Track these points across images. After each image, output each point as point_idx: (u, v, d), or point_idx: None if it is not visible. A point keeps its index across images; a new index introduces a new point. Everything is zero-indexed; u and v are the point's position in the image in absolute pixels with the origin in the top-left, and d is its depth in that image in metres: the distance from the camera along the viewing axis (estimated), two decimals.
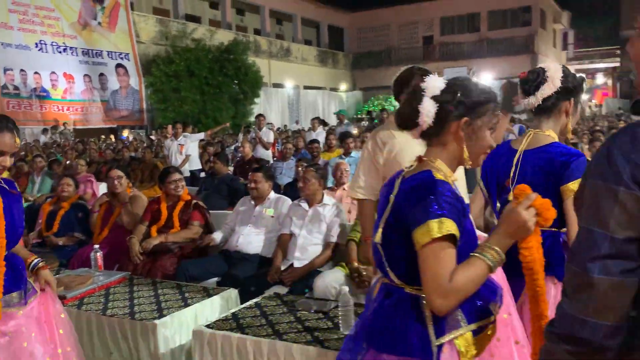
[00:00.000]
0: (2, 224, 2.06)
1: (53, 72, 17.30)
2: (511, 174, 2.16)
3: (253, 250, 3.89)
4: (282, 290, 3.42)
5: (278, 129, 17.31)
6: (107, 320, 2.83)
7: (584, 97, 2.16)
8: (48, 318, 2.30)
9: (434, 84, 1.48)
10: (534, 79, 2.14)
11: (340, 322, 2.47)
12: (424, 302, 1.41)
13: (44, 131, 15.56)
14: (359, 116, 23.30)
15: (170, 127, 9.29)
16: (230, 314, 2.75)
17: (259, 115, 9.88)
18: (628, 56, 1.08)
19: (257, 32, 25.24)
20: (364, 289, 3.31)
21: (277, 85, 23.77)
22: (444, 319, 1.41)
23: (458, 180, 1.58)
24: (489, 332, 1.50)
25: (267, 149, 9.26)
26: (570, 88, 2.11)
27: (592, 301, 0.96)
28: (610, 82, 31.94)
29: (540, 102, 2.11)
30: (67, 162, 8.12)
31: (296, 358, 2.32)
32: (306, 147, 8.16)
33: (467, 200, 2.23)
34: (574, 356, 0.98)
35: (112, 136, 16.78)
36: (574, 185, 1.96)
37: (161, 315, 2.77)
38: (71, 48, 17.74)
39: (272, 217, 3.97)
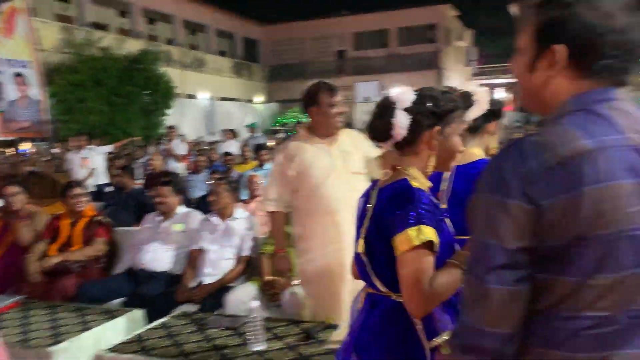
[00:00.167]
0: None
1: None
2: (444, 188, 2.25)
3: (161, 267, 3.73)
4: (192, 308, 3.30)
5: (193, 141, 16.90)
6: None
7: None
8: None
9: (405, 96, 1.52)
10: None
11: (249, 338, 2.41)
12: None
13: None
14: (275, 128, 23.31)
15: (73, 139, 8.79)
16: (135, 336, 2.61)
17: (170, 127, 9.60)
18: None
19: (169, 41, 24.59)
20: (277, 302, 3.27)
21: (192, 96, 23.26)
22: (433, 321, 1.43)
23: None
24: None
25: (178, 161, 9.00)
26: (496, 111, 2.28)
27: (489, 311, 0.99)
28: (510, 96, 34.08)
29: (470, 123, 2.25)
30: None
31: None
32: (220, 160, 8.02)
33: None
34: None
35: (11, 149, 15.58)
36: None
37: (57, 341, 2.58)
38: None
39: (182, 232, 3.83)
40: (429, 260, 1.38)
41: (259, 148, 7.19)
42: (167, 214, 3.90)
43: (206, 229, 3.70)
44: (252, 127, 13.68)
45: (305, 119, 3.01)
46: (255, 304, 2.47)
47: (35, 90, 17.89)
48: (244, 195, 5.16)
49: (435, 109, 1.51)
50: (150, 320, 3.02)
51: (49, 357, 2.48)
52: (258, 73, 29.51)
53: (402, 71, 25.78)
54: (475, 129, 2.28)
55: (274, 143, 11.81)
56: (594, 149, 0.94)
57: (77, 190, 3.99)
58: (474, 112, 2.23)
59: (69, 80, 16.51)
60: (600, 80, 1.02)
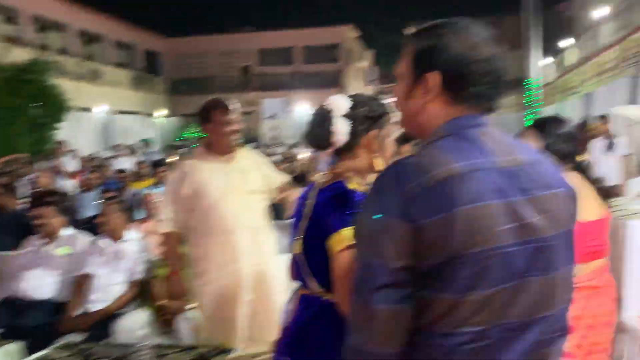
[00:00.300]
0: None
1: None
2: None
3: (43, 295, 3.43)
4: (78, 338, 3.07)
5: (87, 156, 15.95)
6: None
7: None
8: None
9: (341, 103, 1.57)
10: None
11: None
12: None
13: None
14: (178, 143, 22.65)
15: None
16: None
17: (59, 142, 9.01)
18: None
19: (62, 51, 23.19)
20: (170, 328, 3.13)
21: (87, 110, 22.02)
22: None
23: None
24: None
25: (68, 178, 8.44)
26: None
27: (377, 331, 1.00)
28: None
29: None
30: None
31: None
32: (113, 177, 7.62)
33: None
34: None
35: None
36: None
37: None
38: None
39: (67, 256, 3.56)
40: None
41: (157, 164, 6.91)
42: (50, 236, 3.61)
43: (95, 252, 3.47)
44: (146, 142, 13.16)
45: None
46: (146, 330, 2.33)
47: None
48: (140, 214, 4.92)
49: (369, 114, 1.58)
50: (30, 353, 2.77)
51: None
52: (160, 86, 28.62)
53: (307, 88, 26.19)
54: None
55: (177, 158, 11.45)
56: (465, 171, 0.99)
57: None
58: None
59: None
60: (471, 107, 1.09)
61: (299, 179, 6.92)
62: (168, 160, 10.15)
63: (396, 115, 1.74)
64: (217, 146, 2.81)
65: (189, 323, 2.88)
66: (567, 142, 2.13)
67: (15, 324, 3.24)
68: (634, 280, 3.35)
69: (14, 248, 4.48)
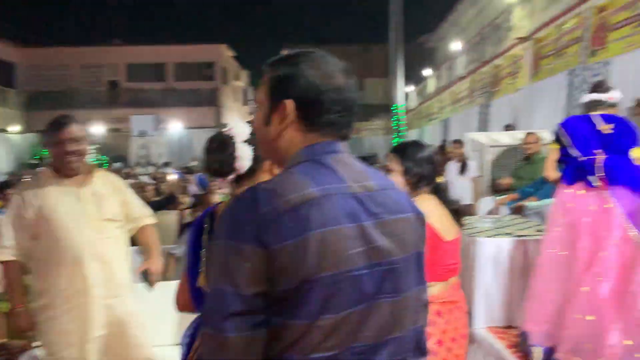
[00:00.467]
0: None
1: None
2: None
3: None
4: None
5: None
6: None
7: None
8: None
9: (242, 129, 1.56)
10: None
11: None
12: None
13: None
14: (33, 162, 20.74)
15: None
16: None
17: None
18: None
19: None
20: None
21: None
22: None
23: None
24: None
25: None
26: None
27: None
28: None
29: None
30: None
31: None
32: None
33: None
34: None
35: None
36: None
37: None
38: None
39: None
40: None
41: (4, 186, 6.24)
42: None
43: None
44: None
45: None
46: None
47: None
48: None
49: None
50: None
51: None
52: (14, 100, 26.16)
53: (181, 106, 25.57)
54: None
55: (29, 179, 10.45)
56: (319, 196, 1.02)
57: None
58: None
59: None
60: (325, 134, 1.12)
61: (169, 201, 6.67)
62: (22, 180, 9.25)
63: None
64: (61, 168, 2.58)
65: None
66: (425, 166, 2.25)
67: None
68: (482, 294, 3.65)
69: None
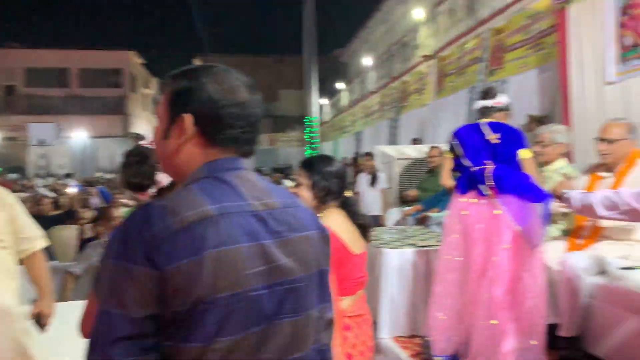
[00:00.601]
0: None
1: None
2: None
3: None
4: None
5: None
6: None
7: None
8: None
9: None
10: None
11: None
12: None
13: None
14: None
15: None
16: None
17: None
18: None
19: None
20: None
21: None
22: None
23: None
24: None
25: None
26: None
27: None
28: None
29: None
30: None
31: None
32: None
33: None
34: None
35: None
36: None
37: None
38: None
39: None
40: None
41: None
42: None
43: None
44: None
45: None
46: None
47: None
48: None
49: None
50: None
51: None
52: None
53: (85, 114, 24.35)
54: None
55: None
56: (217, 214, 0.99)
57: None
58: None
59: None
60: (227, 150, 1.10)
61: (68, 215, 6.26)
62: None
63: None
64: None
65: None
66: (333, 180, 2.27)
67: None
68: (388, 304, 3.74)
69: None
